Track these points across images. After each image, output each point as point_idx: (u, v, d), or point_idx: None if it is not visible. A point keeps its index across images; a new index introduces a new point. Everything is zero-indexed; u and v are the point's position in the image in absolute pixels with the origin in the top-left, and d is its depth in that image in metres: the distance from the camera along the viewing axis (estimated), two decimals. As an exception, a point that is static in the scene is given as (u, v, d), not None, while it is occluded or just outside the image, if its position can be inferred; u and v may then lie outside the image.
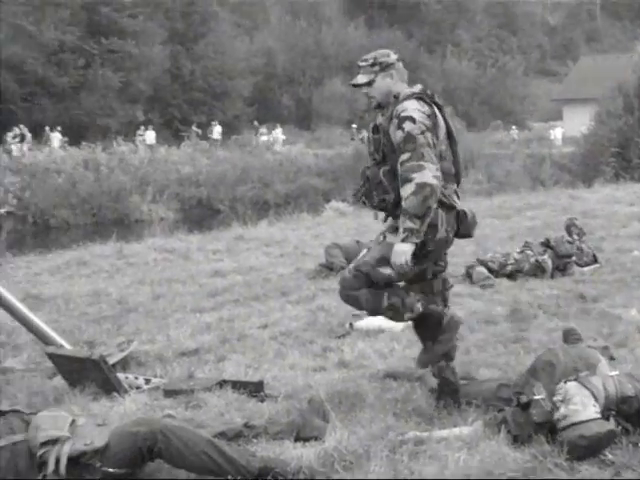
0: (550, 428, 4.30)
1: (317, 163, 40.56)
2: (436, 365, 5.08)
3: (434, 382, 5.14)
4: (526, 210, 16.83)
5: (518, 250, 9.81)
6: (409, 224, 4.68)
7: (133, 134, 43.30)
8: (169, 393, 5.62)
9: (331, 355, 6.54)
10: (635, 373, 4.66)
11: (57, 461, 3.90)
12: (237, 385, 5.57)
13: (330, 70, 59.05)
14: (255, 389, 5.50)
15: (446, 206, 4.83)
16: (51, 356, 6.07)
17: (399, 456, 4.25)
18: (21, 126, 39.00)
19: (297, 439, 4.61)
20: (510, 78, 67.98)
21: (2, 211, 13.41)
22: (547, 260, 9.51)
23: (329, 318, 7.64)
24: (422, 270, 4.84)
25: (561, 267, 9.60)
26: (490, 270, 9.42)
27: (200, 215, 32.13)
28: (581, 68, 63.07)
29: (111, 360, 6.08)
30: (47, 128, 40.81)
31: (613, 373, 4.45)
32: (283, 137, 46.19)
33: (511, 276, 9.44)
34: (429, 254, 4.85)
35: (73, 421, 4.15)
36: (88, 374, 5.72)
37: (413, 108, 4.77)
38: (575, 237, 10.14)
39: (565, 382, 4.36)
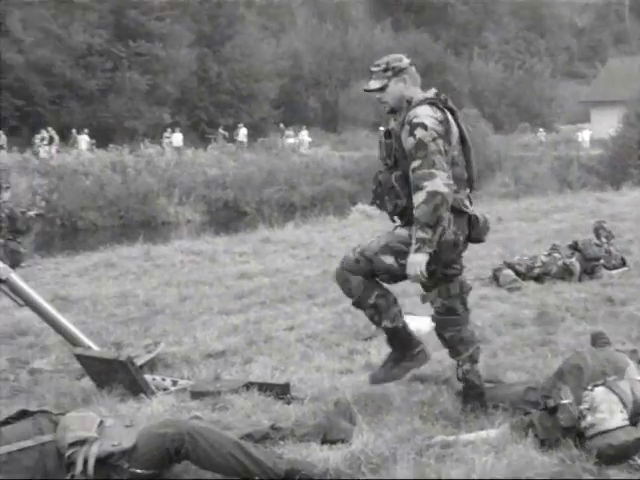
0: (578, 432, 4.28)
1: (343, 165, 40.55)
2: (460, 368, 5.06)
3: (460, 385, 5.12)
4: (553, 213, 16.76)
5: (545, 253, 9.76)
6: (421, 234, 4.66)
7: (160, 136, 43.46)
8: (196, 395, 5.64)
9: (357, 357, 6.53)
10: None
11: (85, 462, 3.92)
12: (263, 387, 5.57)
13: (356, 72, 58.87)
14: (281, 391, 5.50)
15: (456, 210, 4.81)
16: (79, 357, 6.10)
17: (426, 459, 4.23)
18: (49, 128, 39.29)
19: (324, 441, 4.60)
20: (537, 80, 67.62)
21: (31, 213, 13.47)
22: (575, 263, 9.46)
23: (355, 320, 7.63)
24: (429, 272, 4.82)
25: (589, 270, 9.54)
26: (517, 273, 9.38)
27: (226, 217, 32.20)
28: (609, 70, 62.71)
29: (138, 362, 6.10)
30: (74, 130, 41.05)
31: (642, 377, 4.43)
32: (309, 139, 46.21)
33: (538, 279, 9.39)
34: (434, 255, 4.81)
35: (101, 422, 4.17)
36: (116, 375, 5.74)
37: (425, 114, 4.74)
38: (603, 240, 10.09)
39: (592, 388, 4.33)
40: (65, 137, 40.25)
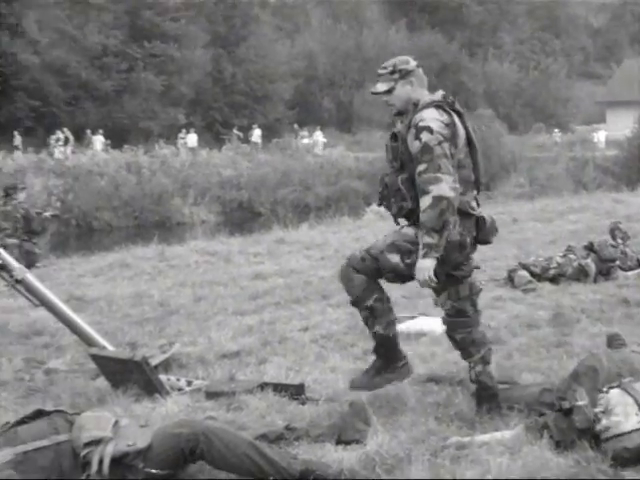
0: (593, 434, 4.26)
1: (358, 166, 40.52)
2: (473, 370, 5.06)
3: (474, 387, 5.12)
4: (569, 213, 16.73)
5: (561, 254, 9.74)
6: (427, 239, 4.65)
7: (175, 137, 43.56)
8: (210, 395, 5.65)
9: (372, 358, 6.52)
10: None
11: (100, 461, 3.93)
12: (278, 388, 5.58)
13: (371, 73, 58.73)
14: (296, 392, 5.50)
15: (462, 212, 4.79)
16: (94, 357, 6.12)
17: (440, 460, 4.23)
18: (64, 129, 39.42)
19: (338, 442, 4.60)
20: (553, 80, 67.50)
21: (47, 214, 13.52)
22: (590, 264, 9.43)
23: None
24: (438, 274, 4.82)
25: (604, 271, 9.51)
26: (532, 274, 9.36)
27: (241, 218, 32.23)
28: (625, 70, 62.57)
29: (153, 362, 6.11)
30: (88, 131, 41.19)
31: (658, 378, 4.41)
32: (324, 140, 46.19)
33: (554, 280, 9.37)
34: (441, 257, 4.79)
35: (116, 422, 4.18)
36: (130, 375, 5.76)
37: (431, 117, 4.73)
38: (619, 241, 10.06)
39: (607, 390, 4.32)
40: (80, 138, 40.38)
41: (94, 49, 45.66)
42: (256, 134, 45.77)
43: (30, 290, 6.67)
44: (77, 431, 4.05)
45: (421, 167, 4.66)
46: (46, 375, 6.52)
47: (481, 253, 10.95)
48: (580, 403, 4.32)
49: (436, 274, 4.73)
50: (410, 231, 4.87)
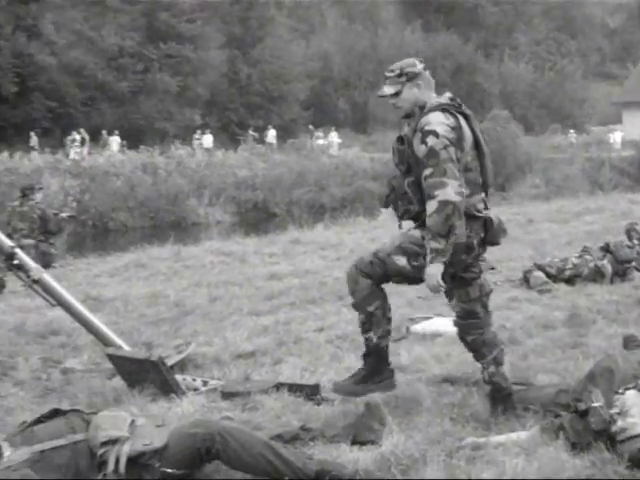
0: (609, 436, 4.25)
1: (373, 167, 40.44)
2: (486, 371, 5.05)
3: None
4: (585, 214, 16.69)
5: (577, 255, 9.72)
6: (434, 244, 4.65)
7: (190, 138, 43.64)
8: (226, 395, 5.66)
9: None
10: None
11: (117, 461, 3.94)
12: (293, 388, 5.59)
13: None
14: (311, 392, 5.51)
15: (468, 215, 4.79)
16: (111, 357, 6.15)
17: (456, 461, 4.23)
18: (81, 130, 39.56)
19: (353, 442, 4.61)
20: (569, 81, 67.29)
21: (63, 215, 13.57)
22: (606, 265, 9.41)
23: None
24: (448, 276, 4.82)
25: (621, 272, 9.49)
26: (548, 275, 9.35)
27: (256, 218, 32.24)
28: (641, 71, 62.24)
29: (169, 362, 6.13)
30: (104, 132, 41.30)
31: (674, 380, 4.39)
32: (339, 141, 46.19)
33: (569, 281, 9.35)
34: (449, 259, 4.79)
35: (132, 421, 4.19)
36: (147, 375, 5.78)
37: (437, 121, 4.73)
38: (635, 242, 10.02)
39: (623, 391, 4.31)
40: (96, 138, 40.53)
41: (111, 50, 45.82)
42: (271, 135, 45.81)
43: (47, 290, 6.70)
44: (94, 430, 4.07)
45: (427, 171, 4.67)
46: (63, 375, 6.55)
47: (496, 254, 11.00)
48: (596, 404, 4.31)
49: (443, 278, 4.73)
50: (417, 233, 4.89)
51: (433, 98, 4.93)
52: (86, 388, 5.99)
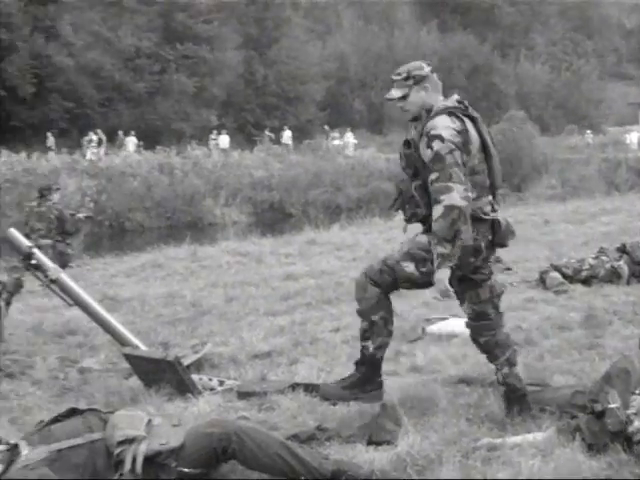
0: (626, 437, 4.24)
1: (389, 167, 40.37)
2: (500, 372, 5.05)
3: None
4: (601, 215, 16.64)
5: (593, 256, 9.68)
6: (440, 249, 4.65)
7: (207, 138, 43.72)
8: (242, 395, 5.67)
9: (403, 359, 6.53)
10: None
11: (133, 460, 3.96)
12: (309, 388, 5.59)
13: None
14: (327, 392, 5.52)
15: (474, 218, 4.78)
16: (127, 357, 6.17)
17: (472, 461, 4.22)
18: (98, 130, 39.70)
19: (369, 443, 4.61)
20: (585, 82, 67.07)
21: (80, 216, 13.64)
22: (623, 266, 9.37)
23: (401, 322, 7.61)
24: (457, 279, 4.83)
25: (637, 273, 9.44)
26: (564, 276, 9.32)
27: (272, 219, 32.26)
28: (658, 71, 61.97)
29: (186, 361, 6.15)
30: (120, 132, 41.43)
31: (691, 381, 4.38)
32: (355, 141, 46.19)
33: (586, 282, 9.32)
34: (457, 263, 4.79)
35: (149, 421, 4.20)
36: (163, 375, 5.80)
37: (443, 125, 4.72)
38: (652, 243, 9.97)
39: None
40: (112, 139, 40.66)
41: (127, 51, 45.96)
42: (286, 136, 45.83)
43: (64, 290, 6.73)
44: (111, 430, 4.08)
45: (433, 176, 4.67)
46: (80, 374, 6.58)
47: (513, 254, 10.98)
48: (612, 405, 4.30)
49: (451, 281, 4.74)
50: (424, 239, 4.89)
51: (440, 101, 4.92)
52: (103, 387, 6.01)
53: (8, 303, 6.87)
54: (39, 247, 7.44)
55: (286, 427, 4.78)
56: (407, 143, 4.97)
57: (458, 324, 7.16)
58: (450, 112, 4.81)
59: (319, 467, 4.02)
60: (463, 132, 4.76)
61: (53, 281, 6.69)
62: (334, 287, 9.96)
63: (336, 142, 45.92)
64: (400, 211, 5.09)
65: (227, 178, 34.81)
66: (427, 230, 4.89)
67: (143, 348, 6.55)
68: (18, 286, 6.91)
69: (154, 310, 9.14)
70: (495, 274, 5.19)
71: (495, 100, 61.58)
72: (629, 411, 4.23)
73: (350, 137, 46.24)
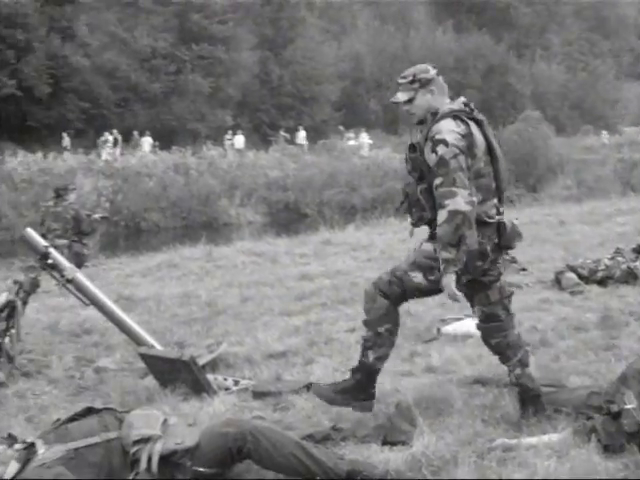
0: (642, 438, 4.24)
1: (404, 168, 40.33)
2: (512, 374, 5.04)
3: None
4: (617, 216, 16.57)
5: (609, 256, 9.66)
6: (445, 254, 4.65)
7: (222, 139, 43.77)
8: (257, 395, 5.69)
9: (418, 360, 6.53)
10: None
11: (149, 459, 3.97)
12: (324, 388, 5.60)
13: (419, 74, 58.76)
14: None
15: (478, 222, 4.76)
16: (143, 356, 6.20)
17: (487, 462, 4.22)
18: (114, 131, 39.83)
19: (384, 443, 4.62)
20: (601, 82, 66.81)
21: (96, 216, 13.68)
22: (639, 267, 9.34)
23: (416, 323, 7.62)
24: (466, 282, 4.83)
25: (654, 274, 9.42)
26: (580, 276, 9.30)
27: (287, 219, 32.26)
28: (675, 71, 61.71)
29: (201, 361, 6.17)
30: (135, 133, 41.52)
31: None
32: (370, 142, 46.14)
33: (602, 282, 9.29)
34: (464, 267, 4.78)
35: (165, 420, 4.22)
36: (179, 375, 5.82)
37: (447, 129, 4.72)
38: (668, 243, 9.94)
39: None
40: (128, 139, 40.77)
41: (143, 52, 46.03)
42: (300, 136, 45.80)
43: (80, 289, 6.77)
44: (126, 429, 4.10)
45: (437, 181, 4.67)
46: (96, 373, 6.62)
47: (528, 255, 10.95)
48: (629, 406, 4.29)
49: (459, 285, 4.74)
50: (429, 247, 4.89)
51: (446, 104, 4.92)
52: (119, 387, 6.04)
53: (25, 302, 6.91)
54: (55, 247, 7.49)
55: (301, 427, 4.79)
56: (412, 147, 4.99)
57: (473, 325, 7.14)
58: (455, 115, 4.81)
59: (334, 467, 4.02)
60: (467, 136, 4.76)
61: (69, 281, 6.73)
62: (349, 287, 9.97)
63: (351, 142, 45.90)
64: (407, 214, 5.09)
65: (242, 178, 34.84)
66: (433, 234, 4.89)
67: (158, 348, 6.58)
68: (35, 286, 6.95)
69: (169, 310, 9.17)
70: (505, 275, 5.18)
71: (511, 100, 61.41)
72: (645, 411, 4.22)
73: (365, 137, 46.19)
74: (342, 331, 7.65)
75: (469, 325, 7.11)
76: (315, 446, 4.23)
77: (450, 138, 4.69)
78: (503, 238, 4.91)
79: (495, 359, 5.55)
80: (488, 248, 4.84)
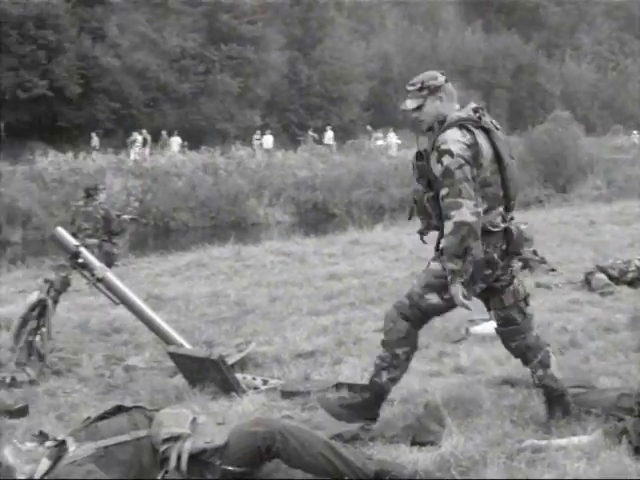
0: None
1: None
2: (535, 375, 5.02)
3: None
4: (648, 216, 16.44)
5: (639, 257, 9.59)
6: (451, 265, 4.65)
7: (251, 138, 43.87)
8: (286, 394, 5.70)
9: (447, 360, 6.52)
10: None
11: (179, 458, 3.99)
12: (353, 388, 5.60)
13: (446, 75, 58.58)
14: (371, 392, 5.51)
15: (483, 230, 4.73)
16: (172, 355, 6.22)
17: (516, 463, 4.21)
18: (143, 131, 40.03)
19: (413, 443, 4.61)
20: (632, 81, 66.36)
21: (126, 217, 13.76)
22: (670, 268, 9.28)
23: (445, 323, 7.60)
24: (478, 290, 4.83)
25: (684, 275, 9.35)
26: (610, 277, 9.24)
27: (316, 219, 32.27)
28: None
29: (230, 360, 6.19)
30: (164, 133, 41.70)
31: None
32: (398, 141, 46.05)
33: (632, 283, 9.23)
34: (472, 276, 4.77)
35: (194, 419, 4.23)
36: (207, 374, 5.84)
37: (453, 140, 4.69)
38: (700, 244, 9.86)
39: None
40: (157, 139, 40.96)
41: (173, 52, 46.24)
42: (328, 136, 45.78)
43: (110, 288, 6.81)
44: (156, 427, 4.11)
45: (443, 191, 4.67)
46: (125, 372, 6.65)
47: (557, 256, 10.89)
48: (660, 408, 4.27)
49: (468, 293, 4.74)
50: (437, 266, 4.86)
51: (455, 111, 4.89)
52: (148, 385, 6.07)
53: (55, 301, 6.95)
54: (86, 246, 7.53)
55: (330, 427, 4.79)
56: (419, 154, 4.97)
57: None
58: (461, 125, 4.78)
59: (363, 467, 4.02)
60: (473, 145, 4.73)
61: (99, 280, 6.77)
62: (377, 287, 9.96)
63: (379, 142, 45.87)
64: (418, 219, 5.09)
65: (271, 178, 34.91)
66: (439, 248, 4.90)
67: (187, 347, 6.60)
68: (65, 284, 7.00)
69: (198, 309, 9.21)
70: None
71: (540, 100, 61.17)
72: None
73: (393, 137, 46.13)
74: (370, 331, 7.65)
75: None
76: (344, 446, 4.23)
77: (455, 148, 4.67)
78: (511, 245, 4.88)
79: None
80: (495, 256, 4.82)
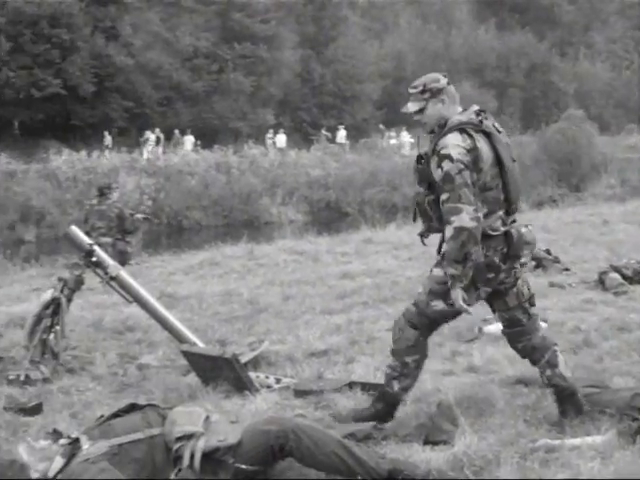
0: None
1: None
2: (544, 375, 5.01)
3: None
4: (662, 216, 16.38)
5: (654, 257, 9.58)
6: (451, 270, 4.65)
7: (264, 137, 43.90)
8: (299, 393, 5.70)
9: (460, 359, 6.51)
10: None
11: (192, 456, 4.00)
12: (366, 387, 5.61)
13: (459, 73, 58.49)
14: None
15: (483, 235, 4.72)
16: (185, 354, 6.23)
17: (530, 463, 4.20)
18: (157, 130, 40.12)
19: (426, 442, 4.61)
20: (646, 80, 66.11)
21: (139, 216, 13.79)
22: (684, 267, 9.25)
23: (458, 322, 7.52)
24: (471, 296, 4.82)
25: (698, 274, 9.32)
26: (624, 277, 9.22)
27: (329, 218, 32.27)
28: None
29: (243, 359, 6.20)
30: (177, 131, 41.76)
31: None
32: (411, 140, 46.00)
33: (646, 283, 9.21)
34: (473, 280, 4.77)
35: (207, 417, 4.24)
36: (221, 372, 5.85)
37: (453, 144, 4.69)
38: None
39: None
40: (170, 138, 41.03)
41: (186, 51, 46.30)
42: (340, 135, 45.77)
43: (124, 287, 6.83)
44: (169, 425, 4.13)
45: (444, 196, 4.67)
46: (139, 370, 6.66)
47: (571, 255, 10.86)
48: (674, 408, 4.25)
49: (469, 298, 4.74)
50: (439, 272, 4.85)
51: (456, 114, 4.87)
52: (161, 384, 6.08)
53: (69, 300, 6.97)
54: (99, 245, 7.55)
55: (343, 426, 4.79)
56: (420, 158, 4.97)
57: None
58: (461, 129, 4.77)
59: (376, 466, 4.02)
60: (473, 150, 4.72)
61: (113, 278, 6.79)
62: (390, 286, 9.96)
63: (392, 141, 45.82)
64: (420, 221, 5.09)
65: (284, 177, 34.93)
66: (440, 251, 4.90)
67: (201, 345, 6.61)
68: (79, 283, 7.01)
69: (211, 308, 9.22)
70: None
71: (554, 99, 60.98)
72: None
73: (406, 136, 46.03)
74: (383, 330, 7.63)
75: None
76: (357, 445, 4.23)
77: (455, 153, 4.66)
78: (512, 248, 4.87)
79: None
80: (496, 260, 4.81)
